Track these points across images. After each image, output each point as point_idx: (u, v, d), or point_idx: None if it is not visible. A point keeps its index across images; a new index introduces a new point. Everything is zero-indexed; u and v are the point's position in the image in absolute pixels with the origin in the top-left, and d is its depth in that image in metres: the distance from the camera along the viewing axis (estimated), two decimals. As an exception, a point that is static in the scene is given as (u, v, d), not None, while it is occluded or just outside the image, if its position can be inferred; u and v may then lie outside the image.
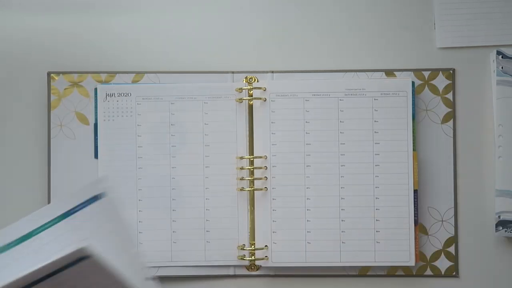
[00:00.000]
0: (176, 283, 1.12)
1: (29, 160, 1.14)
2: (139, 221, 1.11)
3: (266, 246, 1.10)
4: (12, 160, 1.14)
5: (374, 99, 1.10)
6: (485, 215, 1.12)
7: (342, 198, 1.10)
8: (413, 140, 1.10)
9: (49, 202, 1.11)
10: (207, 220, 1.11)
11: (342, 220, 1.10)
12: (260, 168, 1.11)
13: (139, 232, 1.11)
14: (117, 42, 1.15)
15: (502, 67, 1.11)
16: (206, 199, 1.12)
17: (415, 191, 1.10)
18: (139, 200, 1.11)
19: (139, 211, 1.11)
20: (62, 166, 1.12)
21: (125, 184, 1.11)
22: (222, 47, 1.15)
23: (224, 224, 1.11)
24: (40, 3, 1.15)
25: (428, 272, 1.11)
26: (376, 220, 1.10)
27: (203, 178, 1.12)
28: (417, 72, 1.13)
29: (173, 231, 1.11)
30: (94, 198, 0.79)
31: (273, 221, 1.10)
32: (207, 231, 1.11)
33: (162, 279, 1.10)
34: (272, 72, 1.13)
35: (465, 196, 1.12)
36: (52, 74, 1.13)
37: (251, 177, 1.11)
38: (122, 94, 1.12)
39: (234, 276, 1.12)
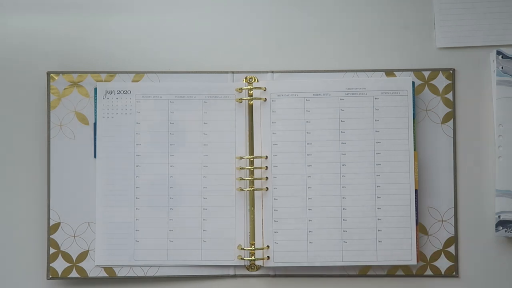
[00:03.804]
0: (175, 282, 1.10)
1: (29, 160, 1.12)
2: (136, 219, 1.09)
3: (267, 246, 1.08)
4: (12, 160, 1.12)
5: (375, 98, 1.09)
6: (485, 215, 1.10)
7: (343, 198, 1.08)
8: (413, 140, 1.08)
9: (49, 202, 1.10)
10: (204, 220, 1.09)
11: (343, 220, 1.08)
12: (260, 168, 1.08)
13: (136, 230, 1.09)
14: (118, 42, 1.13)
15: (502, 67, 1.09)
16: (204, 198, 1.09)
17: (415, 191, 1.08)
18: (136, 198, 1.09)
19: (136, 209, 1.09)
20: (61, 166, 1.11)
21: (122, 181, 1.09)
22: (222, 47, 1.13)
23: (222, 224, 1.09)
24: (41, 3, 1.14)
25: (428, 272, 1.10)
26: (378, 219, 1.08)
27: (201, 177, 1.09)
28: (417, 72, 1.11)
29: (170, 230, 1.09)
30: None
31: (275, 221, 1.08)
32: (203, 230, 1.09)
33: (160, 278, 1.10)
34: (272, 72, 1.12)
35: (465, 196, 1.10)
36: (51, 74, 1.12)
37: (251, 177, 1.08)
38: (122, 92, 1.10)
39: (234, 276, 1.10)
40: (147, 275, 1.09)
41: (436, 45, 1.12)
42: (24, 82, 1.12)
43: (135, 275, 1.09)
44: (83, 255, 1.09)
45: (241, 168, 1.09)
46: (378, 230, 1.07)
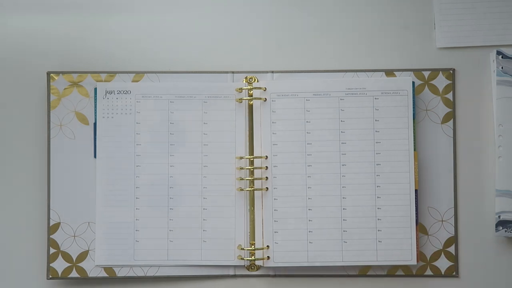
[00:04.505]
0: (175, 282, 1.10)
1: (29, 160, 1.11)
2: (136, 219, 1.09)
3: (267, 246, 1.08)
4: (12, 160, 1.12)
5: (375, 98, 1.08)
6: (485, 215, 1.10)
7: (343, 198, 1.08)
8: (413, 140, 1.08)
9: (48, 202, 1.10)
10: (204, 220, 1.09)
11: (343, 220, 1.07)
12: (260, 168, 1.08)
13: (136, 230, 1.09)
14: (117, 42, 1.13)
15: (502, 67, 1.09)
16: (204, 198, 1.09)
17: (415, 191, 1.08)
18: (136, 198, 1.09)
19: (136, 209, 1.09)
20: (61, 166, 1.10)
21: (122, 181, 1.09)
22: (222, 47, 1.13)
23: (222, 224, 1.09)
24: (41, 3, 1.14)
25: (428, 272, 1.09)
26: (378, 219, 1.07)
27: (201, 177, 1.09)
28: (417, 72, 1.11)
29: (170, 230, 1.09)
30: None
31: (275, 221, 1.08)
32: (203, 230, 1.09)
33: (160, 278, 1.10)
34: (272, 72, 1.11)
35: (465, 196, 1.10)
36: (51, 74, 1.11)
37: (251, 177, 1.08)
38: (122, 92, 1.10)
39: (234, 276, 1.10)
40: (147, 275, 1.09)
41: (436, 45, 1.11)
42: (24, 82, 1.12)
43: (135, 275, 1.09)
44: (83, 255, 1.09)
45: (241, 168, 1.08)
46: (378, 230, 1.07)
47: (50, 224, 1.09)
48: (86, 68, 1.11)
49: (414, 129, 1.08)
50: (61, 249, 1.09)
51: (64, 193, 1.09)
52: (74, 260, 1.09)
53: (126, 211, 1.08)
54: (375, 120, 1.08)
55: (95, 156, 1.09)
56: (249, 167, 1.08)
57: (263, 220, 1.08)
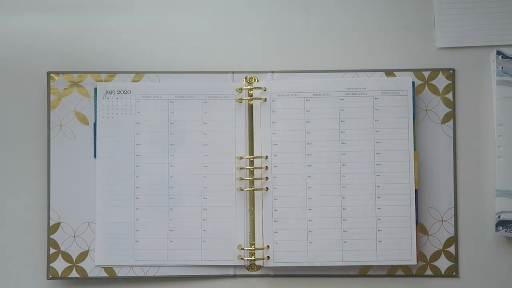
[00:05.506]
0: (175, 282, 1.10)
1: (29, 160, 1.11)
2: (136, 219, 1.09)
3: (267, 246, 1.08)
4: (12, 160, 1.12)
5: (375, 98, 1.08)
6: (485, 215, 1.10)
7: (343, 198, 1.08)
8: (413, 140, 1.08)
9: (49, 202, 1.09)
10: (204, 220, 1.09)
11: (343, 220, 1.07)
12: (260, 168, 1.08)
13: (136, 230, 1.09)
14: (117, 42, 1.13)
15: (502, 67, 1.09)
16: (204, 198, 1.09)
17: (415, 191, 1.08)
18: (137, 198, 1.09)
19: (136, 209, 1.09)
20: (61, 166, 1.10)
21: (122, 181, 1.09)
22: (222, 47, 1.13)
23: (222, 224, 1.09)
24: (41, 3, 1.14)
25: (428, 272, 1.09)
26: (378, 219, 1.07)
27: (201, 177, 1.09)
28: (417, 72, 1.11)
29: (170, 230, 1.09)
30: None
31: (275, 221, 1.08)
32: (203, 230, 1.09)
33: (160, 278, 1.10)
34: (272, 72, 1.12)
35: (465, 196, 1.10)
36: (51, 74, 1.11)
37: (251, 177, 1.08)
38: (122, 92, 1.10)
39: (234, 276, 1.10)
40: (147, 275, 1.09)
41: (436, 45, 1.11)
42: (24, 82, 1.12)
43: (135, 275, 1.09)
44: (83, 255, 1.09)
45: (241, 168, 1.08)
46: (378, 230, 1.07)
47: (50, 224, 1.09)
48: (86, 68, 1.12)
49: (414, 129, 1.08)
50: (61, 249, 1.09)
51: (64, 193, 1.09)
52: (74, 260, 1.09)
53: (126, 211, 1.08)
54: (375, 120, 1.08)
55: (95, 156, 1.09)
56: (249, 167, 1.08)
57: (263, 220, 1.08)
